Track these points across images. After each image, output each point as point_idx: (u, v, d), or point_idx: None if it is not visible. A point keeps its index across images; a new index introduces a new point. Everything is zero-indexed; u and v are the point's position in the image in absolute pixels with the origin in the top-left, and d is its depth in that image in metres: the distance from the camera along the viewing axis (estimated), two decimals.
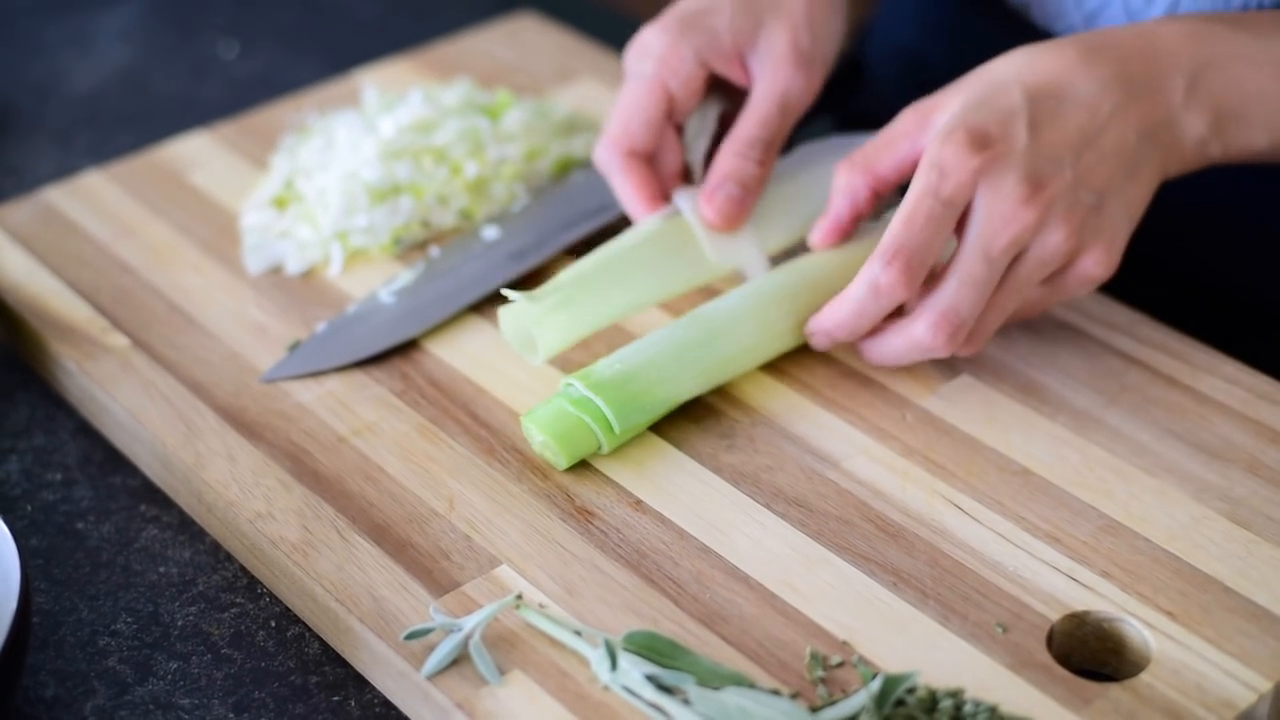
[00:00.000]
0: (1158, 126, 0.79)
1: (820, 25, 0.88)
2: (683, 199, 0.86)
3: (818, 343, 0.82)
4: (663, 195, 0.87)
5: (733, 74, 0.87)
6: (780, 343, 0.83)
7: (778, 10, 0.87)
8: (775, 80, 0.86)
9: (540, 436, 0.78)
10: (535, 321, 0.80)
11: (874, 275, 0.77)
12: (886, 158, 0.81)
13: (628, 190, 0.86)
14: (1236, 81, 0.79)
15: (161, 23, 1.23)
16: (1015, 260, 0.78)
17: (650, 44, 0.86)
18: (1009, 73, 0.78)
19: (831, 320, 0.80)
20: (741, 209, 0.85)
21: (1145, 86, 0.78)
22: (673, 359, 0.79)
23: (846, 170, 0.82)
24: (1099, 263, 0.78)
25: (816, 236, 0.83)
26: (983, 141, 0.76)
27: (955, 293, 0.77)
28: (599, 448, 0.78)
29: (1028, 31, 0.95)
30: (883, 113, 1.09)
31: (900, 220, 0.77)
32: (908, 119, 0.80)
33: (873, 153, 0.81)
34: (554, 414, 0.78)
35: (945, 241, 0.77)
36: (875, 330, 0.80)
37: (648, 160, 0.87)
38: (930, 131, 0.79)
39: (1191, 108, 0.79)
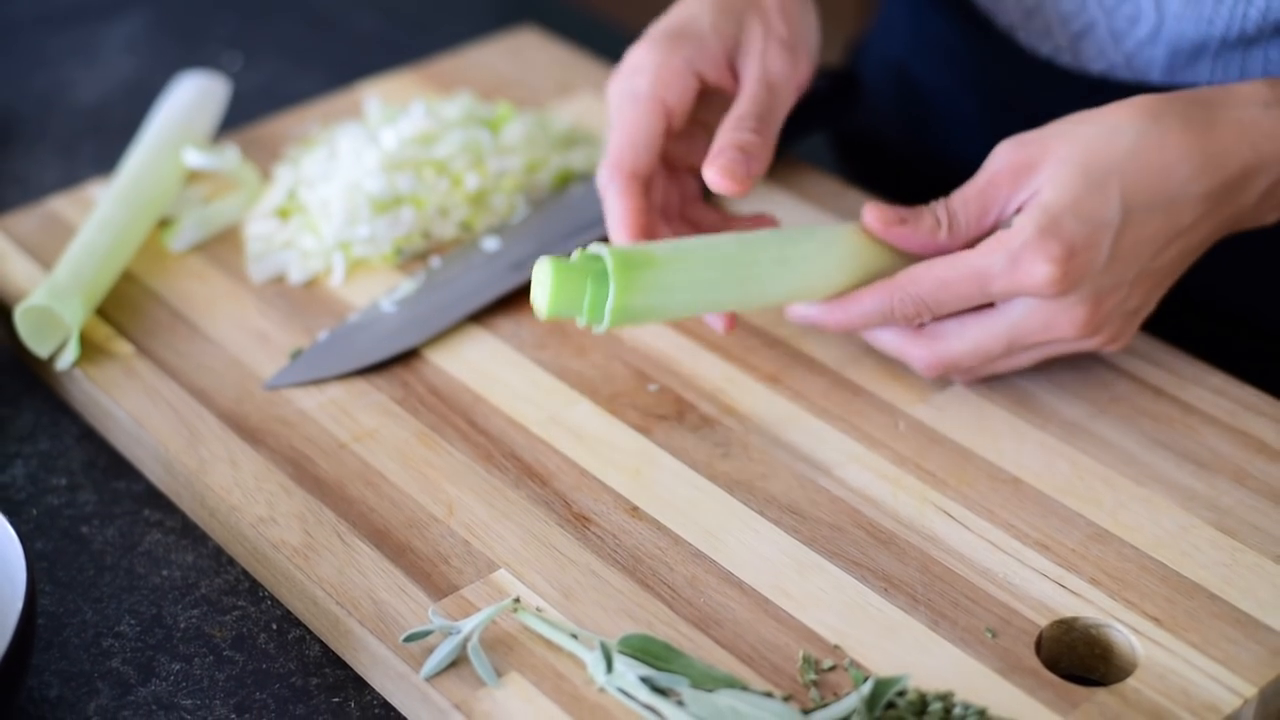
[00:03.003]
0: (1222, 227, 0.79)
1: (794, 15, 0.87)
2: None
3: (796, 320, 0.82)
4: (652, 228, 0.84)
5: (724, 82, 0.86)
6: (815, 281, 0.81)
7: (752, 7, 0.86)
8: (758, 65, 0.85)
9: (543, 275, 0.76)
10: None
11: (889, 305, 0.78)
12: (976, 207, 0.79)
13: (623, 214, 0.83)
14: None
15: (165, 35, 1.24)
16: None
17: (643, 61, 0.85)
18: (1114, 163, 0.76)
19: (832, 318, 0.80)
20: (746, 171, 0.81)
21: (1232, 196, 0.77)
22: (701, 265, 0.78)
23: (944, 206, 0.80)
24: (1115, 349, 0.81)
25: (873, 216, 0.81)
26: (1068, 256, 0.75)
27: (962, 353, 0.79)
28: (583, 308, 0.77)
29: (1015, 53, 0.96)
30: (877, 128, 1.10)
31: (939, 278, 0.77)
32: (1003, 169, 0.78)
33: (963, 202, 0.79)
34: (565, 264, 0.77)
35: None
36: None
37: (646, 184, 0.85)
38: (1024, 191, 0.77)
39: (1262, 210, 0.79)
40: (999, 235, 0.76)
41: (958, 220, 0.79)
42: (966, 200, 0.79)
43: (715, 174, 0.81)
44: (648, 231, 0.83)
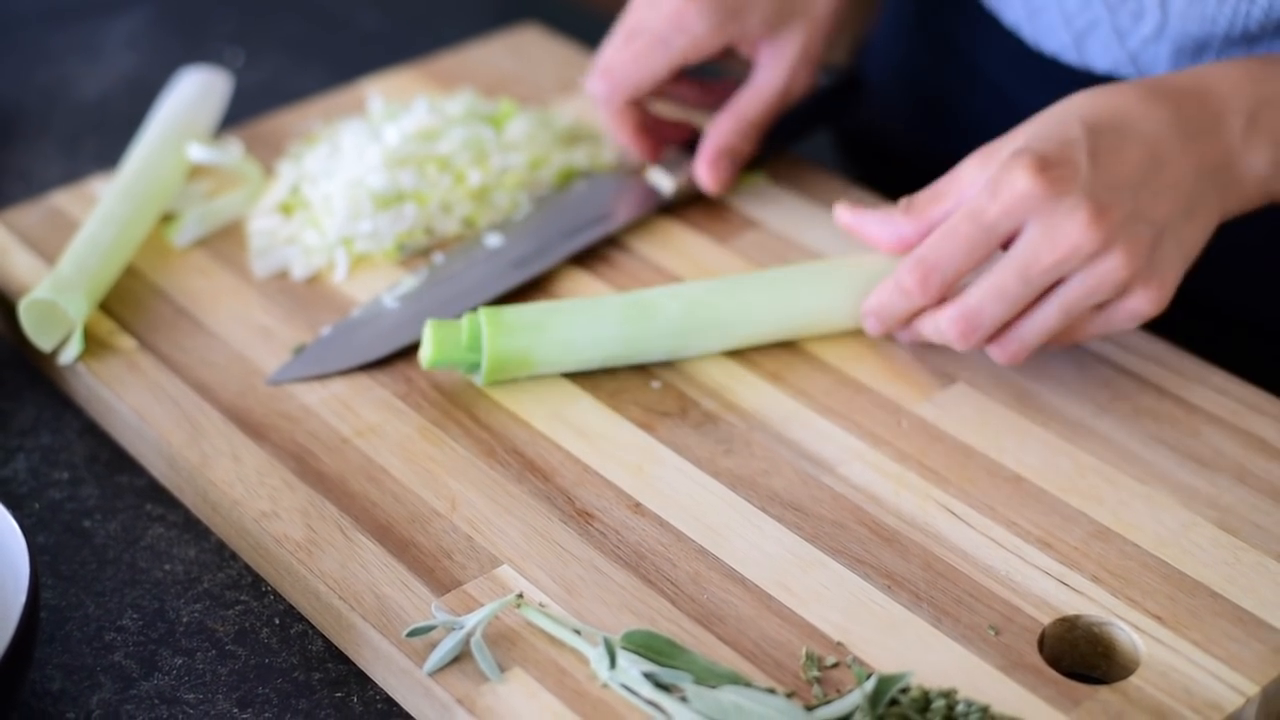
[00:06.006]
0: (1216, 167, 0.78)
1: (832, 37, 0.96)
2: (659, 176, 0.97)
3: (870, 326, 0.84)
4: (655, 138, 0.97)
5: (746, 53, 0.96)
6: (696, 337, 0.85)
7: (805, 13, 0.95)
8: (785, 75, 0.95)
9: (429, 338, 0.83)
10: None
11: (899, 276, 0.80)
12: (933, 189, 0.81)
13: (627, 137, 0.96)
14: None
15: (168, 31, 1.25)
16: (1061, 282, 0.77)
17: (687, 19, 0.93)
18: (1069, 109, 0.78)
19: (870, 303, 0.83)
20: (732, 178, 0.96)
21: (1202, 127, 0.78)
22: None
23: (902, 213, 0.82)
24: (1150, 299, 0.78)
25: (848, 216, 0.85)
26: (1043, 164, 0.75)
27: (980, 299, 0.78)
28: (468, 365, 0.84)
29: (1020, 50, 0.96)
30: (881, 126, 1.10)
31: (937, 234, 0.78)
32: (972, 164, 0.80)
33: (931, 197, 0.81)
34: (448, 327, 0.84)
35: (980, 262, 0.78)
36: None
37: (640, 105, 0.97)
38: (990, 167, 0.79)
39: (1252, 146, 0.79)
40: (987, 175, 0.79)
41: (915, 199, 0.82)
42: (929, 187, 0.82)
43: (709, 178, 0.95)
44: (657, 149, 0.98)
